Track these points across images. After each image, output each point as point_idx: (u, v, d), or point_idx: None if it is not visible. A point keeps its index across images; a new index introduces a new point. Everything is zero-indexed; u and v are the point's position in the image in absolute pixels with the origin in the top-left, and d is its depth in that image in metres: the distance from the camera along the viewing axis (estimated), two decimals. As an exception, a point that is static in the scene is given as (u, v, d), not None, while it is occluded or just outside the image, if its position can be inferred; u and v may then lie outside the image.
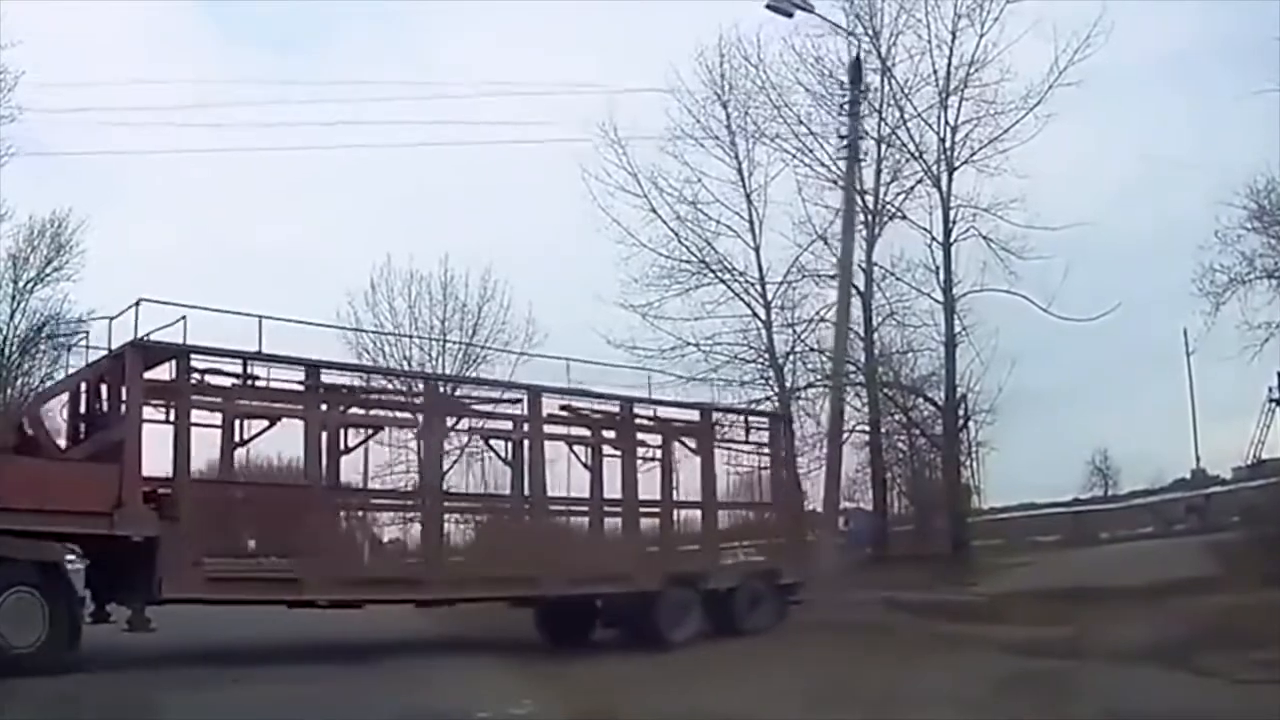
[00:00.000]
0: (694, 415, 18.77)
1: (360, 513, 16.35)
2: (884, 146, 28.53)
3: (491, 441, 16.70)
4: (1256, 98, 28.47)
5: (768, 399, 29.44)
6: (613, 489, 17.41)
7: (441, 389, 17.85)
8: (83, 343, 15.22)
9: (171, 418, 13.29)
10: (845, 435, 27.93)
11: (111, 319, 13.54)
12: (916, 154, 28.67)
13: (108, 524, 11.94)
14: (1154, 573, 19.76)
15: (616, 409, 17.64)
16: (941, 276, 28.26)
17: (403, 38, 61.64)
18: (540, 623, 16.98)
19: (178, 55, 52.49)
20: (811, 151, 28.89)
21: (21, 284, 31.74)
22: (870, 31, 28.22)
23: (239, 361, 13.70)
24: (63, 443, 14.07)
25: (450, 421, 16.40)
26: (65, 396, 14.77)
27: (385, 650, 14.38)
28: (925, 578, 23.57)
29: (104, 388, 13.71)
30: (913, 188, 28.87)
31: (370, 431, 15.45)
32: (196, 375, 13.39)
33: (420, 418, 16.03)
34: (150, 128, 53.24)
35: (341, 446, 15.13)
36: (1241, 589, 16.35)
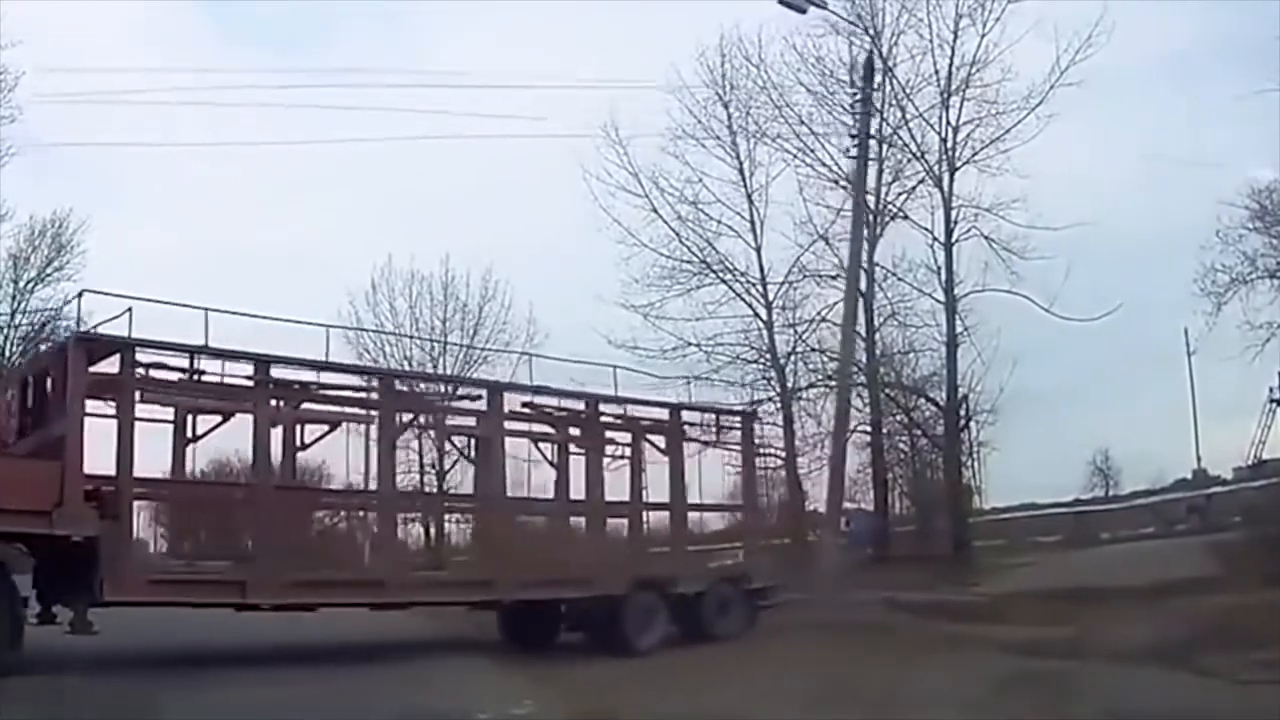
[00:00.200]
0: (662, 413, 18.18)
1: (312, 512, 15.74)
2: (885, 146, 28.57)
3: (454, 439, 16.39)
4: (1258, 97, 28.52)
5: (769, 399, 29.49)
6: (578, 489, 16.93)
7: (399, 385, 16.97)
8: None
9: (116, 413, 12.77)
10: (847, 435, 27.91)
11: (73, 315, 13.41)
12: (918, 154, 28.77)
13: (48, 523, 11.47)
14: (1155, 573, 19.74)
15: (581, 406, 17.14)
16: (943, 277, 28.35)
17: (403, 37, 61.64)
18: (502, 625, 16.52)
19: (178, 54, 52.49)
20: (813, 151, 29.02)
21: (22, 284, 31.80)
22: (872, 31, 28.26)
23: (186, 355, 13.21)
24: (12, 439, 13.63)
25: (407, 418, 15.86)
26: (12, 391, 14.37)
27: (385, 651, 14.38)
28: (926, 578, 23.55)
29: (49, 382, 13.22)
30: (914, 188, 29.00)
31: (328, 428, 14.92)
32: (141, 369, 12.87)
33: (376, 414, 15.18)
34: (150, 127, 53.33)
35: (298, 443, 14.61)
36: (1242, 589, 16.33)
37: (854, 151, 26.54)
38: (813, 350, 29.67)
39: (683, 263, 29.61)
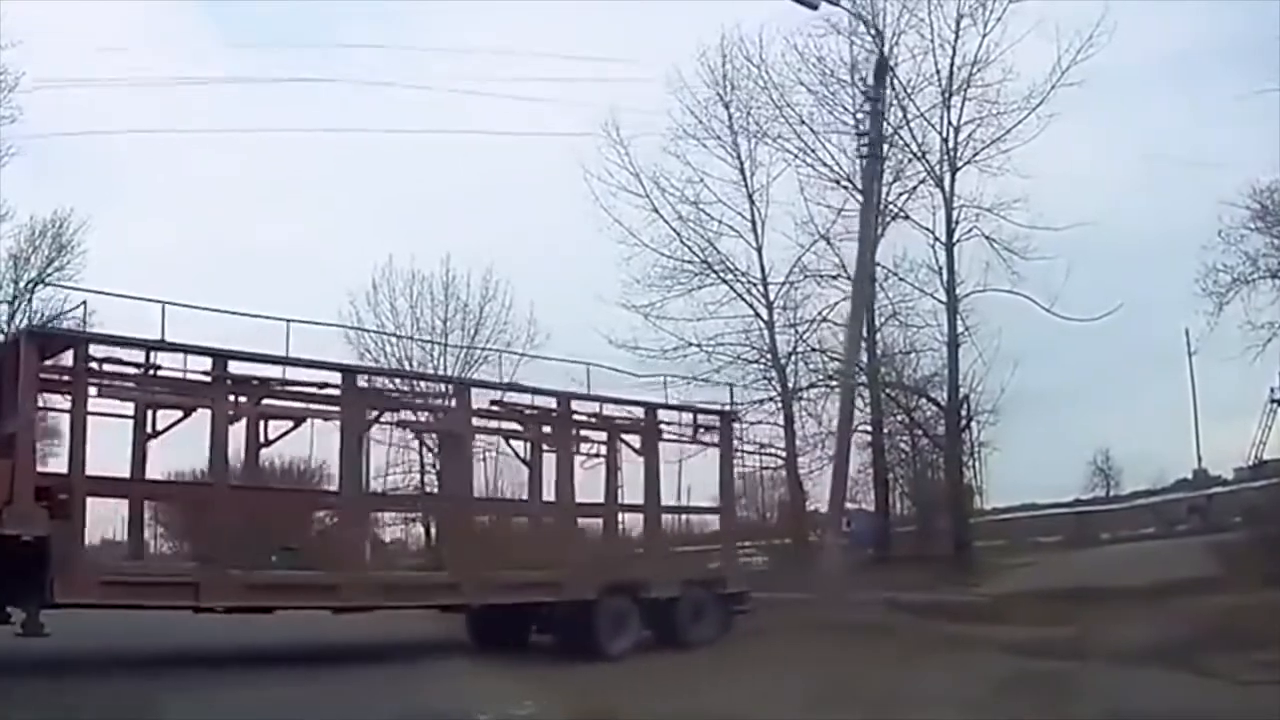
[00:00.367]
0: (638, 413, 17.53)
1: (271, 513, 15.28)
2: (887, 146, 28.51)
3: (424, 436, 15.94)
4: (1259, 97, 28.50)
5: (770, 399, 29.49)
6: (550, 490, 16.44)
7: (363, 381, 15.88)
8: None
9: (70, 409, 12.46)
10: (850, 436, 27.92)
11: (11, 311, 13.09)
12: (919, 154, 28.73)
13: None
14: (1156, 573, 19.75)
15: (553, 404, 16.62)
16: (944, 277, 28.30)
17: (403, 37, 61.59)
18: (470, 627, 16.09)
19: (177, 53, 52.51)
20: (814, 151, 29.00)
21: (22, 284, 31.67)
22: (873, 31, 28.23)
23: (142, 350, 12.90)
24: None
25: (372, 414, 15.16)
26: None
27: (386, 652, 14.37)
28: (927, 578, 23.54)
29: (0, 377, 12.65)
30: (915, 188, 28.95)
31: (292, 425, 14.59)
32: (95, 364, 12.51)
33: (339, 410, 14.64)
34: (150, 126, 53.27)
35: (261, 440, 14.32)
36: (1243, 589, 16.34)
37: (864, 152, 26.57)
38: (814, 350, 29.70)
39: (684, 263, 29.64)
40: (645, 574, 16.32)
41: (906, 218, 28.91)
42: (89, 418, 12.37)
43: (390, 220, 48.73)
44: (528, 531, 17.07)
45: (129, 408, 13.38)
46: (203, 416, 13.42)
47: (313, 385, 14.47)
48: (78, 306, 14.03)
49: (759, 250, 29.75)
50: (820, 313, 29.37)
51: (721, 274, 29.73)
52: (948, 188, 28.28)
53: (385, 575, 14.39)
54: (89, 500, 12.29)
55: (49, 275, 31.58)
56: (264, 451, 15.10)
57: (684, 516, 18.91)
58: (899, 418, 30.68)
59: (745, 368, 29.57)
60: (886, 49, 28.18)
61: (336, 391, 14.54)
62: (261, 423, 14.34)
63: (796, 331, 29.75)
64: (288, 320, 13.80)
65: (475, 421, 15.80)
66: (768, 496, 35.22)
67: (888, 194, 28.63)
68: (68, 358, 12.46)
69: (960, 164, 28.22)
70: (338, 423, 14.49)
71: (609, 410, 17.29)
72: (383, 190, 52.25)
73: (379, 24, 55.38)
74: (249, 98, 52.67)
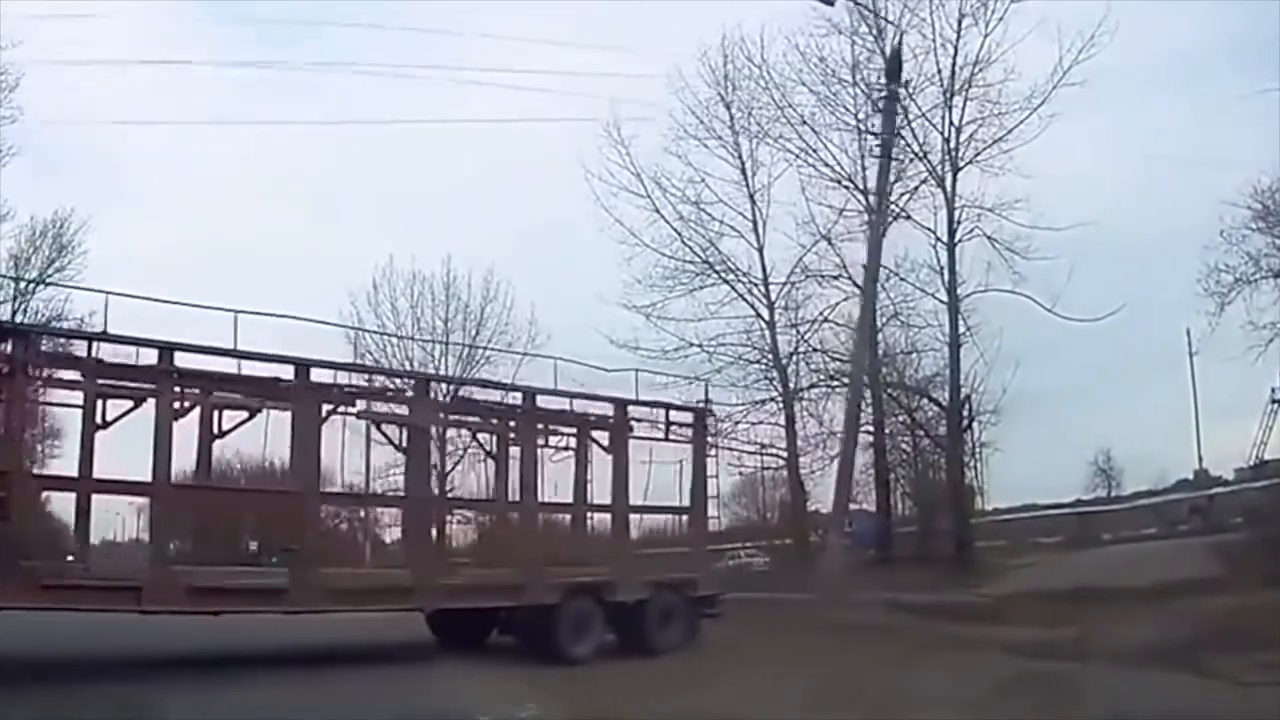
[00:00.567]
0: (607, 409, 16.62)
1: (218, 512, 14.75)
2: (877, 146, 28.50)
3: (385, 430, 14.85)
4: (1261, 97, 28.48)
5: (771, 399, 29.52)
6: (515, 489, 15.78)
7: (315, 376, 14.63)
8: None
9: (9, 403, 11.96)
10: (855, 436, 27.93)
11: None
12: (921, 154, 28.73)
13: None
14: (1157, 574, 19.75)
15: (518, 401, 15.98)
16: (946, 277, 28.36)
17: (404, 36, 61.66)
18: (430, 624, 15.57)
19: (178, 52, 52.53)
20: (815, 151, 29.04)
21: (23, 285, 31.64)
22: (874, 31, 28.24)
23: (85, 342, 12.46)
24: None
25: (327, 409, 14.20)
26: None
27: (388, 654, 14.38)
28: (929, 579, 23.56)
29: None
30: (917, 188, 28.98)
31: (246, 417, 13.90)
32: (36, 355, 12.04)
33: (291, 404, 13.82)
34: (151, 125, 53.28)
35: (215, 430, 13.65)
36: (1244, 590, 16.35)
37: (875, 152, 26.55)
38: (815, 350, 29.75)
39: (685, 263, 29.70)
40: (611, 576, 15.65)
41: (908, 218, 28.97)
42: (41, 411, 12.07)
43: (391, 220, 48.88)
44: (490, 531, 16.60)
45: (75, 401, 12.58)
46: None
47: (265, 379, 13.62)
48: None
49: (760, 250, 29.84)
50: (822, 313, 29.47)
51: (723, 274, 29.82)
52: (949, 188, 28.34)
53: (335, 578, 13.46)
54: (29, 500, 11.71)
55: (50, 275, 31.62)
56: (229, 454, 14.80)
57: (654, 516, 18.31)
58: (900, 418, 30.71)
59: (746, 368, 29.69)
60: (888, 48, 28.21)
61: (291, 385, 13.65)
62: (215, 417, 13.67)
63: (798, 332, 29.85)
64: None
65: (436, 416, 15.22)
66: (768, 497, 35.45)
67: (889, 194, 28.65)
68: (8, 348, 12.04)
69: (962, 164, 28.28)
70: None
71: (578, 406, 16.53)
72: (383, 189, 52.38)
73: (379, 23, 55.45)
74: (249, 95, 52.61)
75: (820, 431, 29.51)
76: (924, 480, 31.72)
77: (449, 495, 16.19)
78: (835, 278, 29.21)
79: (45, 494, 12.74)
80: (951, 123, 28.32)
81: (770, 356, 29.65)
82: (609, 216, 29.37)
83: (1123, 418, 42.73)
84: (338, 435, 14.31)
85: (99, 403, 12.52)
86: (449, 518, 16.56)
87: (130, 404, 12.66)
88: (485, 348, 30.28)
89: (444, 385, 16.51)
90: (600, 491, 16.43)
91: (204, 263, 42.36)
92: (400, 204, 49.30)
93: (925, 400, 30.14)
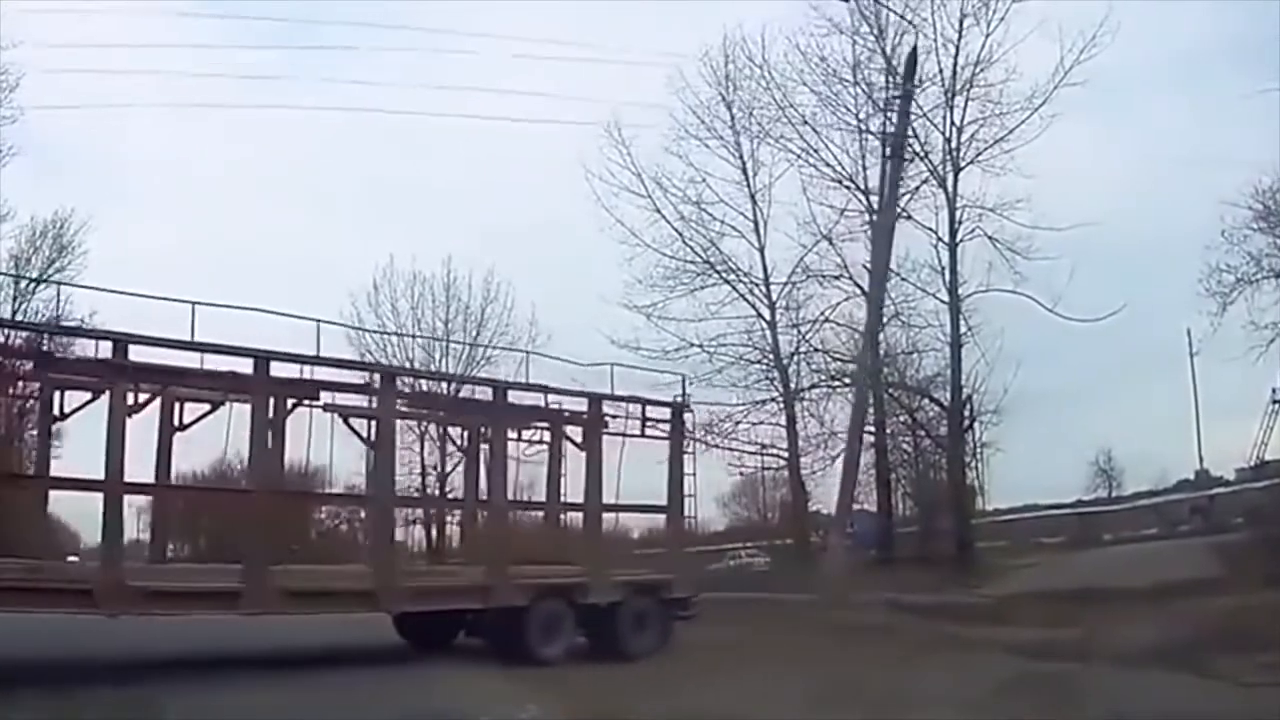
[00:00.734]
0: (580, 404, 16.02)
1: (171, 511, 14.15)
2: (890, 146, 28.50)
3: (351, 423, 14.36)
4: (1262, 97, 28.47)
5: (773, 399, 29.52)
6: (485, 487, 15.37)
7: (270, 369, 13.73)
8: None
9: None
10: (861, 437, 27.93)
11: None
12: (922, 154, 28.71)
13: None
14: (1158, 574, 19.73)
15: (489, 396, 15.53)
16: (947, 277, 28.32)
17: (405, 36, 61.62)
18: (397, 624, 15.12)
19: (177, 51, 52.54)
20: (816, 151, 29.02)
21: (23, 285, 31.60)
22: (875, 30, 28.24)
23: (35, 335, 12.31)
24: None
25: (289, 403, 13.75)
26: None
27: (389, 654, 14.37)
28: (930, 579, 23.55)
29: None
30: (918, 188, 28.95)
31: (207, 411, 13.64)
32: None
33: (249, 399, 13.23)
34: (151, 125, 53.36)
35: (175, 425, 13.34)
36: (1246, 590, 16.34)
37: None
38: (816, 351, 29.74)
39: (686, 263, 29.70)
40: (583, 577, 15.10)
41: (909, 218, 28.93)
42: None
43: (392, 220, 48.86)
44: (458, 531, 16.24)
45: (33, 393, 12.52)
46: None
47: (223, 372, 13.11)
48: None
49: (761, 250, 29.85)
50: (823, 313, 29.46)
51: (724, 274, 29.82)
52: (950, 188, 28.30)
53: (291, 580, 12.88)
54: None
55: (50, 276, 31.57)
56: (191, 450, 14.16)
57: (630, 515, 17.89)
58: (902, 418, 30.71)
59: (747, 368, 29.67)
60: (889, 48, 28.25)
61: (247, 379, 13.07)
62: (175, 411, 13.42)
63: (799, 332, 29.86)
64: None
65: (402, 410, 14.68)
66: (769, 497, 35.45)
67: (890, 194, 28.65)
68: None
69: (963, 164, 28.26)
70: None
71: (553, 402, 16.00)
72: (384, 189, 52.34)
73: (380, 21, 55.49)
74: (248, 91, 52.63)
75: (821, 432, 29.57)
76: (925, 480, 31.73)
77: (416, 493, 15.63)
78: (836, 278, 29.26)
79: None
80: (953, 122, 28.34)
81: (771, 357, 29.66)
82: (610, 217, 29.42)
83: (1124, 418, 42.83)
84: (303, 430, 13.86)
85: (55, 397, 12.32)
86: (415, 516, 16.28)
87: (88, 398, 12.34)
88: (487, 346, 30.27)
89: (410, 379, 16.05)
90: (570, 490, 15.94)
91: (204, 263, 42.31)
92: (401, 204, 49.34)
93: (926, 400, 30.16)
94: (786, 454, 29.82)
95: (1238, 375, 29.52)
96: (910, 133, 28.10)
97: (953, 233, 28.16)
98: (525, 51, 45.77)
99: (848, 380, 28.88)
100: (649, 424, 16.48)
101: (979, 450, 30.16)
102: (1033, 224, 27.10)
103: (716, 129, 29.72)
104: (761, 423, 29.65)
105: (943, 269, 28.37)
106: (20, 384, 12.43)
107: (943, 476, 30.05)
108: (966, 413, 28.66)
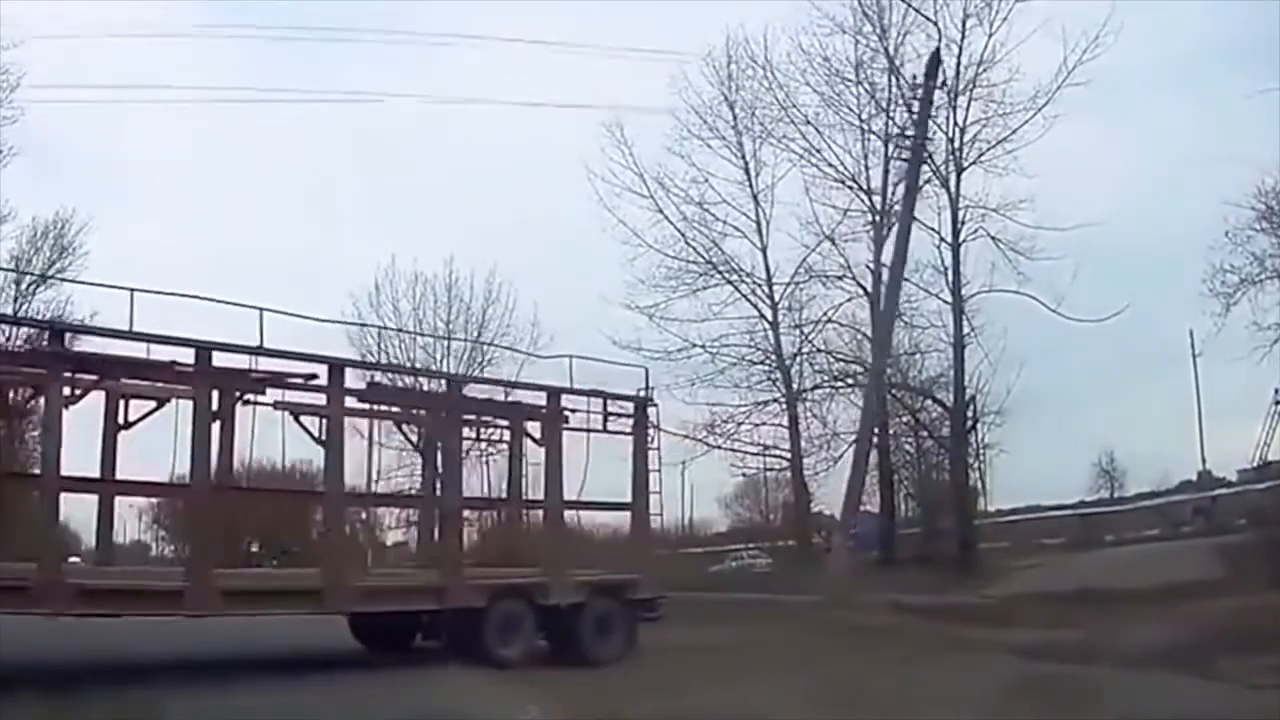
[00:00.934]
0: (539, 398, 15.31)
1: (111, 509, 13.82)
2: (892, 147, 28.51)
3: (302, 420, 13.89)
4: (1265, 97, 28.43)
5: (775, 400, 29.49)
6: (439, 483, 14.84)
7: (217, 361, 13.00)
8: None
9: None
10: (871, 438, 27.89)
11: None
12: (926, 154, 28.63)
13: None
14: (1161, 575, 19.70)
15: (441, 389, 15.07)
16: (950, 277, 28.37)
17: (406, 36, 61.68)
18: (353, 628, 14.68)
19: (177, 50, 52.59)
20: (819, 152, 29.04)
21: (24, 286, 31.57)
22: (878, 30, 28.22)
23: None
24: None
25: (235, 396, 13.36)
26: None
27: (389, 657, 14.34)
28: (933, 580, 23.53)
29: None
30: (921, 188, 28.85)
31: (155, 405, 13.23)
32: None
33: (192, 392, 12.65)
34: (151, 124, 53.36)
35: (121, 421, 12.99)
36: (1248, 591, 16.30)
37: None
38: (819, 351, 29.72)
39: (688, 263, 29.72)
40: (543, 577, 14.47)
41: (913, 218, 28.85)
42: None
43: (393, 220, 48.88)
44: (411, 529, 15.89)
45: None
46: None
47: (163, 363, 12.46)
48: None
49: (764, 251, 29.89)
50: (825, 314, 29.45)
51: (726, 275, 29.84)
52: (953, 188, 28.37)
53: (235, 580, 12.42)
54: None
55: (50, 277, 31.52)
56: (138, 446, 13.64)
57: (594, 513, 17.26)
58: (904, 419, 30.69)
59: (750, 369, 29.67)
60: (892, 48, 28.26)
61: (187, 371, 12.49)
62: (120, 406, 13.11)
63: (801, 332, 29.87)
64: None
65: (349, 405, 14.13)
66: (771, 498, 35.42)
67: (893, 194, 28.69)
68: None
69: (966, 164, 28.33)
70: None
71: (507, 395, 15.56)
72: (386, 189, 52.37)
73: (381, 23, 55.50)
74: (247, 91, 52.64)
75: (824, 433, 29.56)
76: (928, 481, 31.74)
77: (366, 492, 15.21)
78: (839, 278, 29.28)
79: None
80: (956, 123, 28.41)
81: (774, 357, 29.68)
82: (612, 217, 29.47)
83: (1126, 419, 42.95)
84: (251, 425, 13.62)
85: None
86: (368, 515, 15.74)
87: (30, 392, 12.10)
88: (489, 344, 30.19)
89: (363, 371, 15.49)
90: (530, 487, 15.50)
91: (204, 263, 42.32)
92: (403, 204, 49.33)
93: (929, 401, 30.14)
94: (789, 455, 29.80)
95: (1241, 376, 29.64)
96: (903, 133, 28.11)
97: (956, 233, 28.21)
98: (527, 52, 45.79)
99: (851, 382, 28.86)
100: (611, 419, 15.82)
101: (982, 451, 30.23)
102: (1036, 224, 27.22)
103: (719, 129, 29.82)
104: (764, 424, 29.69)
105: (946, 269, 28.49)
106: None
107: (945, 477, 30.07)
108: (969, 413, 28.67)
